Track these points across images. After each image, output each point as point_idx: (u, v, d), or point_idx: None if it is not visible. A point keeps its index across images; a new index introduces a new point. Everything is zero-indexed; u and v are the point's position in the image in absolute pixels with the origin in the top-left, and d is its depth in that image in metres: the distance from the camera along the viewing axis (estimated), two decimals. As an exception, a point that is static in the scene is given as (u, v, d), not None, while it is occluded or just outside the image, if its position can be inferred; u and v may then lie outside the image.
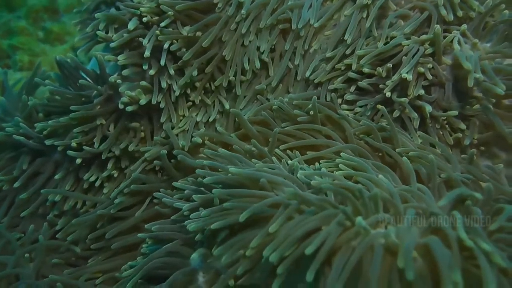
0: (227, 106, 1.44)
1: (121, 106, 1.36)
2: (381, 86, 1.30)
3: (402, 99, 1.25)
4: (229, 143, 1.33)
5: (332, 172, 1.09)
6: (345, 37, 1.35)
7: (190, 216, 1.05)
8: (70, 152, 1.36)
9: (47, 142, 1.37)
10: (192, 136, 1.39)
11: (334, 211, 0.91)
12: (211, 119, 1.46)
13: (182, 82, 1.38)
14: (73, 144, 1.36)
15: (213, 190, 1.00)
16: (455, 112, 1.23)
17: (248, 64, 1.41)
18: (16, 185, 1.39)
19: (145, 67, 1.36)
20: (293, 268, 0.88)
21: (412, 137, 1.26)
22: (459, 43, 1.22)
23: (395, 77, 1.26)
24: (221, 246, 0.96)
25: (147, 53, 1.34)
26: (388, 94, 1.27)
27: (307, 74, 1.40)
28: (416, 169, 1.12)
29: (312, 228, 0.88)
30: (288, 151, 1.29)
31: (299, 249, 0.85)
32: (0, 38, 2.44)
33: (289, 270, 0.87)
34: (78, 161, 1.36)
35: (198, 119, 1.44)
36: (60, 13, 2.69)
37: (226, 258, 0.93)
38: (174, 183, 1.23)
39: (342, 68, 1.37)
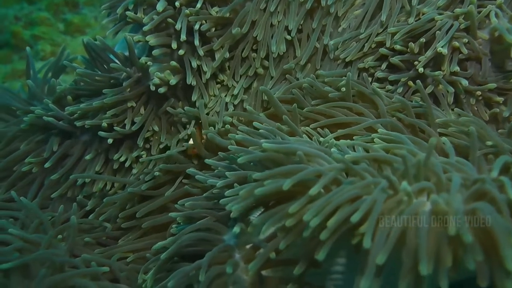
0: (239, 98, 1.43)
1: (152, 88, 1.36)
2: (414, 62, 1.28)
3: (436, 73, 1.23)
4: (258, 122, 1.32)
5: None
6: (382, 18, 1.33)
7: (226, 194, 1.04)
8: (101, 133, 1.36)
9: (78, 123, 1.37)
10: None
11: (376, 179, 0.89)
12: (237, 101, 1.45)
13: (216, 64, 1.38)
14: (104, 124, 1.36)
15: (253, 176, 0.97)
16: (493, 85, 1.21)
17: (276, 45, 1.40)
18: (47, 165, 1.40)
19: (174, 46, 1.36)
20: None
21: (445, 113, 1.24)
22: (496, 16, 1.19)
23: (429, 53, 1.24)
24: (258, 217, 0.94)
25: (183, 37, 1.33)
26: (421, 70, 1.25)
27: (331, 45, 1.38)
28: (453, 143, 1.09)
29: (353, 195, 0.87)
30: (319, 129, 1.28)
31: (343, 216, 0.83)
32: (22, 29, 2.45)
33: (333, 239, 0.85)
34: (110, 141, 1.37)
35: (227, 100, 1.44)
36: (80, 6, 2.71)
37: (266, 228, 0.91)
38: (206, 160, 1.22)
39: (373, 46, 1.36)
